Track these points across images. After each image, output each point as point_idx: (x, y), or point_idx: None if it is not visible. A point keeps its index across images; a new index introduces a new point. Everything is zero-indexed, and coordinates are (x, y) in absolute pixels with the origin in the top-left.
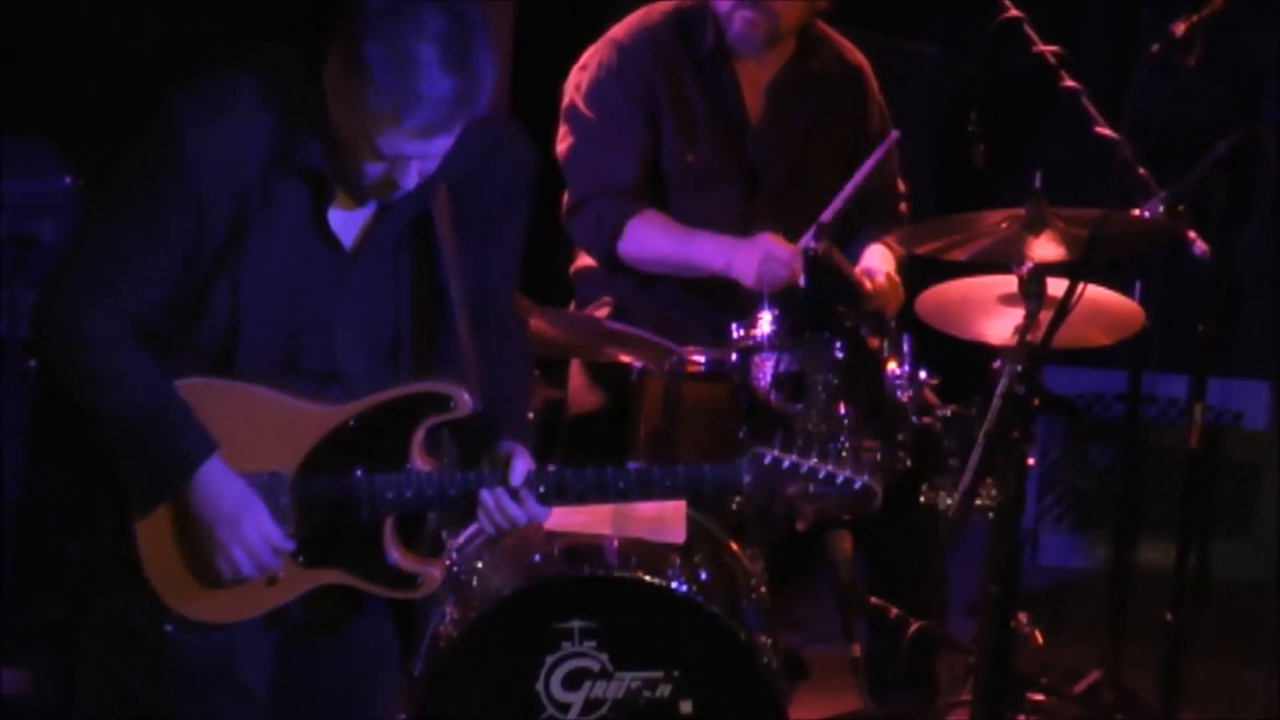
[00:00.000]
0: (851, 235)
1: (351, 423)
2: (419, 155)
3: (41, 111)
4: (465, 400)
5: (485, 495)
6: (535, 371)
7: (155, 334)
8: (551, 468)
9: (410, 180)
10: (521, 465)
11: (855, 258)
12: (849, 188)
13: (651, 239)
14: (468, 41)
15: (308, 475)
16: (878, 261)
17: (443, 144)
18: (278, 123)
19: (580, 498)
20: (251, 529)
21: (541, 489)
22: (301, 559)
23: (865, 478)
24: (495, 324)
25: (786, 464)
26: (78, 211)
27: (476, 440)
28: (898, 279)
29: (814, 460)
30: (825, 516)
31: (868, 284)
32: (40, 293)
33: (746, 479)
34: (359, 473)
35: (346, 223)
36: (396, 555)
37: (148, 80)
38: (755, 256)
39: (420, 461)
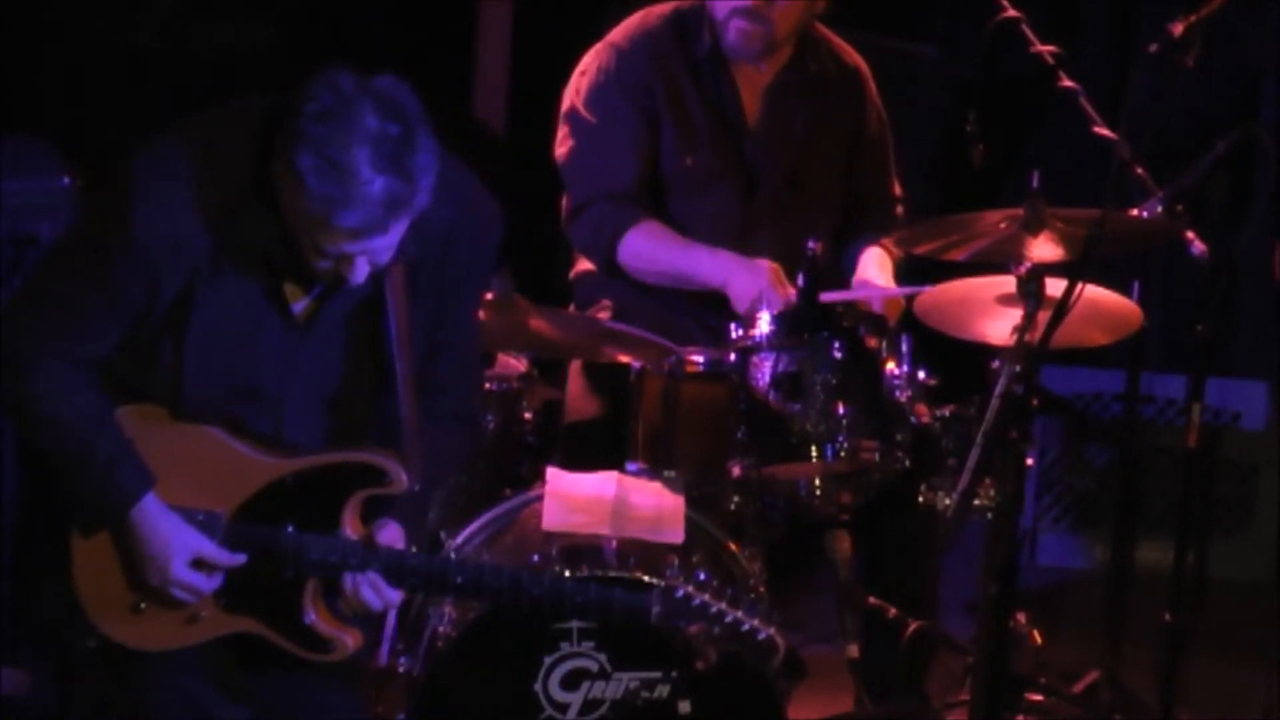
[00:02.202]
0: (848, 238)
1: (290, 479)
2: (361, 253)
3: (40, 112)
4: (402, 479)
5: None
6: (469, 440)
7: (108, 371)
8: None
9: (359, 276)
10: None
11: (853, 261)
12: (866, 293)
13: (650, 250)
14: (405, 139)
15: (242, 521)
16: (874, 271)
17: (385, 241)
18: (231, 202)
19: (492, 596)
20: (180, 569)
21: (459, 579)
22: (223, 602)
23: (769, 630)
24: (436, 392)
25: (696, 602)
26: (76, 212)
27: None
28: (894, 291)
29: (723, 605)
30: (719, 660)
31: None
32: None
33: (655, 609)
34: (290, 529)
35: (299, 294)
36: (314, 616)
37: (146, 81)
38: (751, 289)
39: (351, 529)
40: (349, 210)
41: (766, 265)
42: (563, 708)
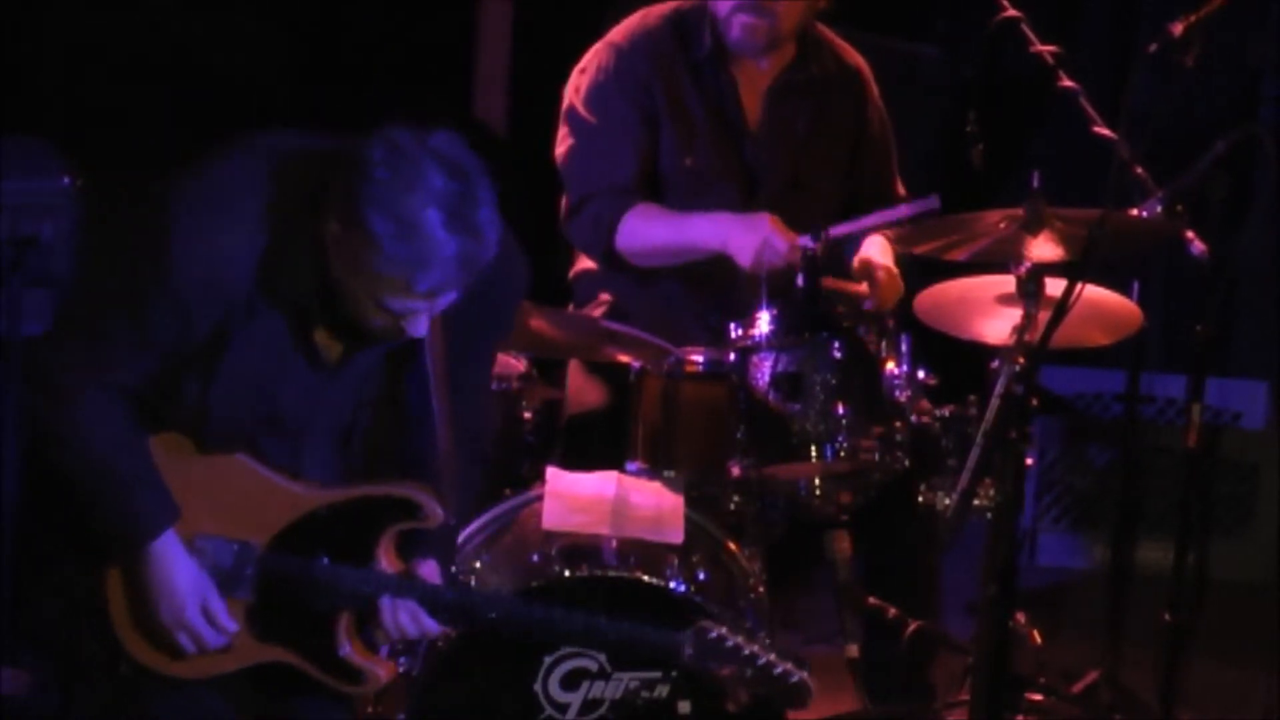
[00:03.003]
0: (851, 237)
1: (324, 511)
2: (428, 309)
3: (40, 111)
4: (437, 513)
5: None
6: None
7: (138, 399)
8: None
9: (421, 329)
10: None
11: (854, 248)
12: (870, 221)
13: (647, 227)
14: (470, 198)
15: (276, 552)
16: (876, 252)
17: (452, 297)
18: (272, 248)
19: (525, 631)
20: (194, 614)
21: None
22: (256, 631)
23: (801, 674)
24: (461, 431)
25: (730, 644)
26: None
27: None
28: (896, 271)
29: (756, 648)
30: (751, 703)
31: (863, 286)
32: (36, 352)
33: (688, 650)
34: (324, 560)
35: (328, 339)
36: (348, 648)
37: (146, 81)
38: (754, 239)
39: (386, 562)
40: (428, 273)
41: (766, 216)
42: (562, 708)
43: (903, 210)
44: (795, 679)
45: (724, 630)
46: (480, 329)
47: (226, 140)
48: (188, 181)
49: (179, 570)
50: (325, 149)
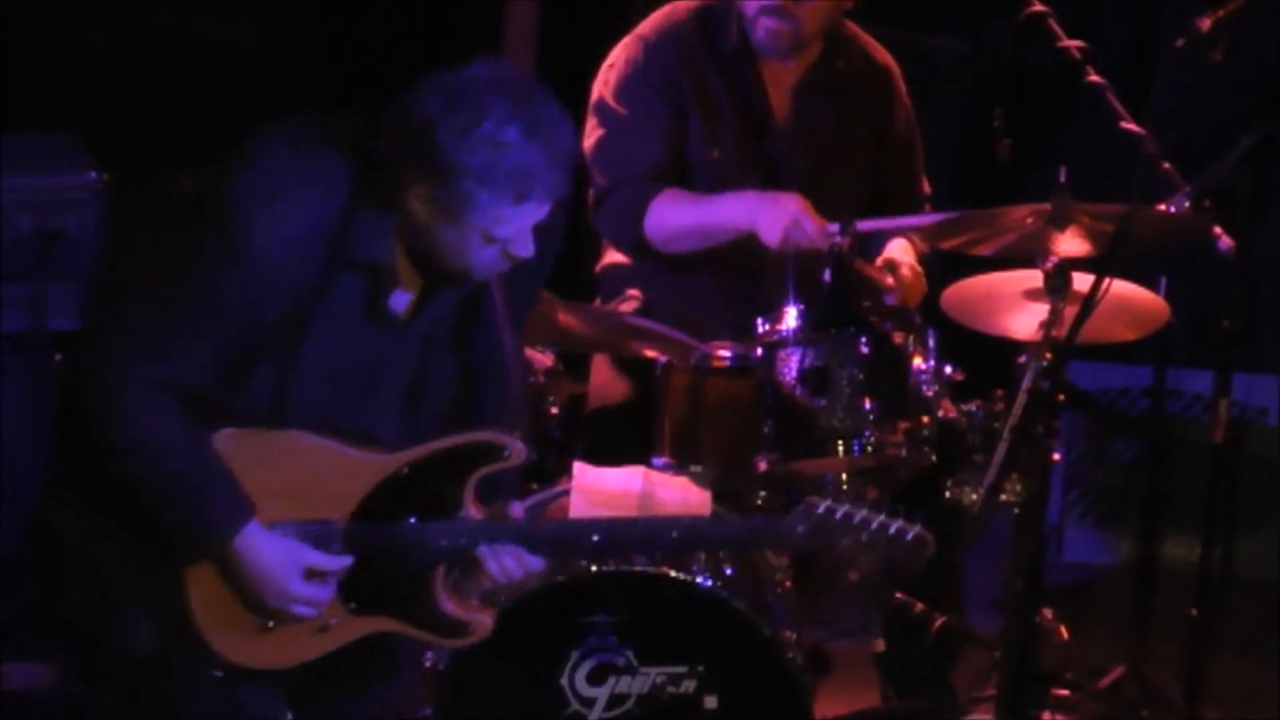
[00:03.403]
0: (875, 234)
1: (405, 471)
2: (532, 226)
3: (66, 106)
4: (520, 449)
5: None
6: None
7: (195, 396)
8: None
9: (530, 247)
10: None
11: (878, 251)
12: (897, 222)
13: (674, 211)
14: (534, 102)
15: (359, 523)
16: (899, 254)
17: (547, 207)
18: (345, 214)
19: (632, 549)
20: (298, 584)
21: (595, 538)
22: (352, 606)
23: (917, 529)
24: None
25: (840, 515)
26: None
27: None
28: (920, 269)
29: (865, 511)
30: (877, 570)
31: (889, 279)
32: (79, 358)
33: (800, 529)
34: (411, 520)
35: (400, 298)
36: (448, 603)
37: (172, 75)
38: (783, 217)
39: (473, 510)
40: (533, 183)
41: (795, 196)
42: (589, 702)
43: (929, 217)
44: (911, 535)
45: (829, 502)
46: (535, 269)
47: (265, 127)
48: (242, 168)
49: (266, 553)
50: (367, 121)
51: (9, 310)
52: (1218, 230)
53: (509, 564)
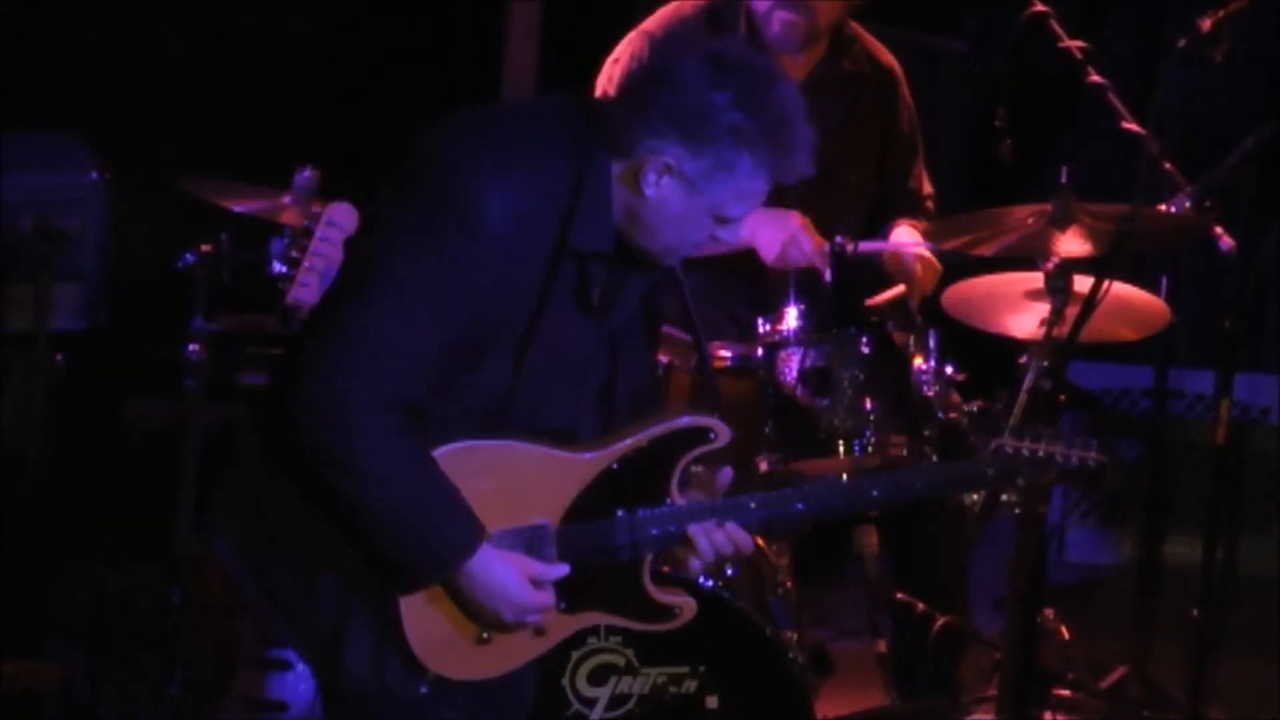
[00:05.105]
0: (879, 232)
1: (615, 465)
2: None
3: (69, 107)
4: (724, 429)
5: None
6: None
7: (418, 410)
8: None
9: (736, 234)
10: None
11: (883, 235)
12: (898, 245)
13: None
14: (788, 81)
15: (570, 524)
16: (905, 238)
17: None
18: (567, 199)
19: (835, 515)
20: (527, 594)
21: (799, 506)
22: (563, 605)
23: (1093, 454)
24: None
25: (1026, 453)
26: (103, 207)
27: None
28: (929, 255)
29: (1045, 444)
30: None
31: (900, 287)
32: (298, 380)
33: (992, 471)
34: (620, 514)
35: (601, 290)
36: (655, 589)
37: (175, 76)
38: (781, 235)
39: (680, 496)
40: (793, 159)
41: (794, 214)
42: (590, 702)
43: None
44: (1093, 462)
45: (1013, 441)
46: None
47: (473, 112)
48: (462, 168)
49: (498, 571)
50: (575, 104)
51: (11, 310)
52: (1219, 230)
53: (720, 542)
